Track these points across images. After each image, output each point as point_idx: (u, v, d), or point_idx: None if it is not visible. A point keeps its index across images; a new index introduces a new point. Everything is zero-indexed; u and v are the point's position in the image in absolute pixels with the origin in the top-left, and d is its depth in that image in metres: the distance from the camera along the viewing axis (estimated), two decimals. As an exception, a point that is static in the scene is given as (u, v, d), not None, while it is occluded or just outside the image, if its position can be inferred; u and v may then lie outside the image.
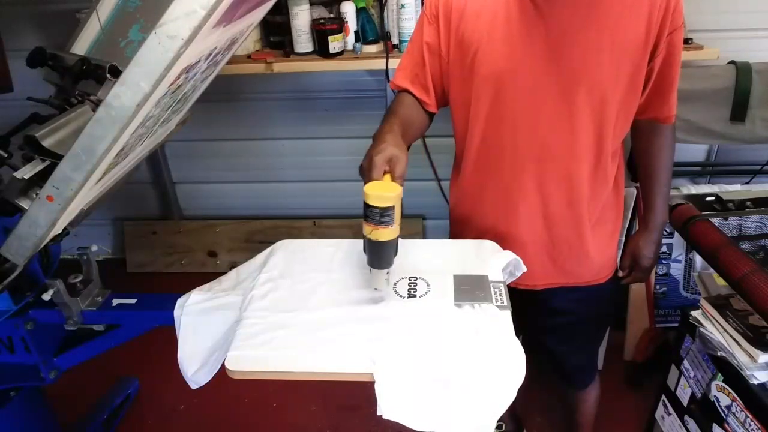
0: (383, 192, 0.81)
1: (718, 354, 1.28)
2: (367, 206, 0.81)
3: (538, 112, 1.02)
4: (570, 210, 1.10)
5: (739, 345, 1.23)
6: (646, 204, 1.24)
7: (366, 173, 0.86)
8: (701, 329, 1.33)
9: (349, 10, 1.95)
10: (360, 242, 1.07)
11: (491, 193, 1.14)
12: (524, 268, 1.02)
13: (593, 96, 0.99)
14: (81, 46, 1.22)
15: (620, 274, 1.31)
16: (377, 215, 0.81)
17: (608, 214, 1.17)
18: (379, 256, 0.86)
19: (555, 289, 1.20)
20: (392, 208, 0.81)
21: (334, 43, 1.94)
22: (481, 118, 1.07)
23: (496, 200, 1.13)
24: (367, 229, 0.83)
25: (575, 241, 1.14)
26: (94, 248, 1.25)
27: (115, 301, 1.23)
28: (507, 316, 0.87)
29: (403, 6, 1.86)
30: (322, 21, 1.94)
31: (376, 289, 0.91)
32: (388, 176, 0.86)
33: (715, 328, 1.30)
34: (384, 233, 0.82)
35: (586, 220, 1.12)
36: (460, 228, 1.25)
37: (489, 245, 1.06)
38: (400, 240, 0.89)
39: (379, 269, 0.88)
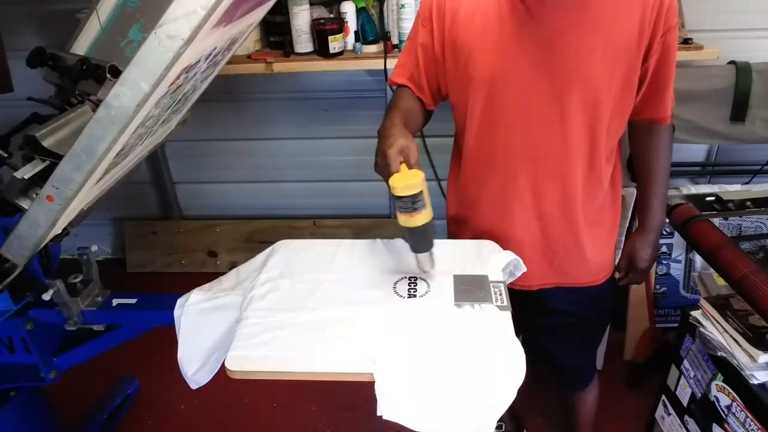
0: (408, 180, 0.84)
1: (718, 354, 1.28)
2: (398, 198, 0.84)
3: (530, 113, 1.02)
4: (564, 210, 1.10)
5: (739, 345, 1.23)
6: (643, 206, 1.24)
7: (383, 169, 0.89)
8: (701, 329, 1.33)
9: (349, 10, 1.95)
10: (360, 242, 1.08)
11: (486, 193, 1.14)
12: (524, 268, 1.03)
13: (586, 97, 0.99)
14: (81, 46, 1.22)
15: (617, 275, 1.31)
16: (409, 203, 0.84)
17: (605, 214, 1.17)
18: (421, 240, 0.90)
19: (553, 290, 1.20)
20: (421, 192, 0.84)
21: (334, 43, 1.94)
22: (475, 119, 1.08)
23: (492, 200, 1.13)
24: (403, 219, 0.86)
25: (571, 241, 1.14)
26: (94, 248, 1.25)
27: (115, 301, 1.23)
28: (507, 316, 0.87)
29: (403, 6, 1.87)
30: (322, 21, 1.94)
31: (425, 271, 0.95)
32: (404, 166, 0.88)
33: (715, 328, 1.30)
34: (420, 218, 0.85)
35: (582, 221, 1.12)
36: (457, 228, 1.25)
37: (489, 245, 1.06)
38: (401, 239, 0.89)
39: (424, 252, 0.91)
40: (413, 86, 1.13)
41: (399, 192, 0.83)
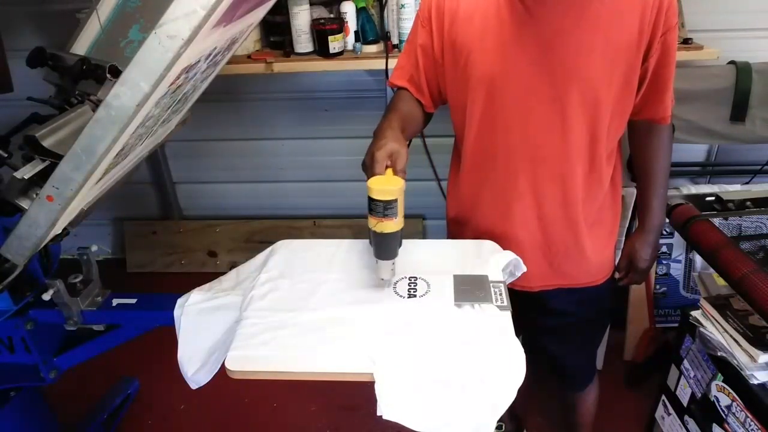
0: (385, 186, 0.84)
1: (718, 354, 1.28)
2: (370, 200, 0.84)
3: (530, 113, 1.02)
4: (565, 211, 1.10)
5: (739, 345, 1.23)
6: (643, 206, 1.23)
7: (368, 169, 0.89)
8: (701, 329, 1.33)
9: (349, 10, 1.95)
10: (360, 242, 1.08)
11: (487, 193, 1.14)
12: (524, 268, 1.02)
13: (586, 97, 0.99)
14: (81, 46, 1.22)
15: (617, 275, 1.31)
16: (381, 208, 0.83)
17: (605, 214, 1.17)
18: (384, 247, 0.89)
19: (553, 291, 1.19)
20: (395, 201, 0.83)
21: (334, 43, 1.94)
22: (475, 120, 1.08)
23: (492, 201, 1.13)
24: (372, 222, 0.85)
25: (571, 242, 1.14)
26: (94, 248, 1.25)
27: (115, 301, 1.23)
28: (507, 316, 0.87)
29: (403, 6, 1.86)
30: (322, 21, 1.94)
31: (382, 279, 0.93)
32: (389, 171, 0.88)
33: (715, 328, 1.30)
34: (388, 225, 0.85)
35: (582, 221, 1.11)
36: (457, 228, 1.25)
37: (489, 245, 1.06)
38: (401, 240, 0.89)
39: (385, 260, 0.90)
40: (413, 88, 1.13)
41: (373, 195, 0.83)
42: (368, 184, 0.85)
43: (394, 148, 0.90)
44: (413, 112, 1.13)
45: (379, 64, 1.95)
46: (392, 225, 0.85)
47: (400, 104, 1.11)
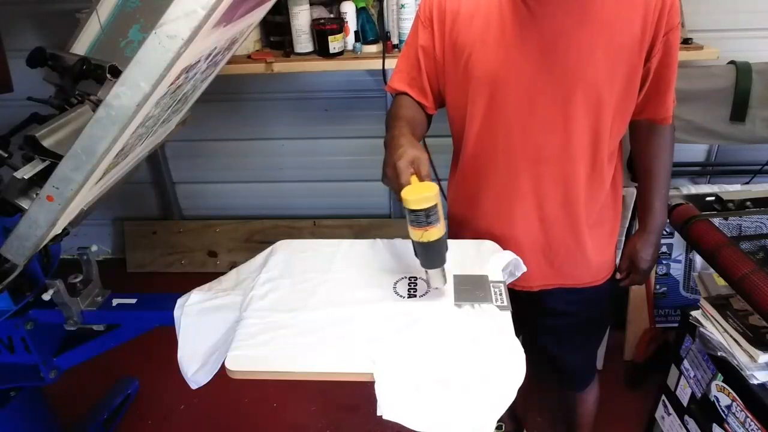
0: (423, 194, 0.81)
1: (718, 354, 1.27)
2: (411, 212, 0.81)
3: (532, 114, 1.02)
4: (566, 211, 1.10)
5: (739, 345, 1.23)
6: (645, 206, 1.23)
7: (394, 181, 0.86)
8: (701, 329, 1.33)
9: (349, 10, 1.96)
10: (360, 242, 1.08)
11: (487, 194, 1.13)
12: (524, 268, 1.03)
13: (588, 97, 0.99)
14: (81, 46, 1.23)
15: (618, 276, 1.30)
16: (423, 217, 0.81)
17: (606, 215, 1.17)
18: (434, 255, 0.86)
19: (553, 291, 1.19)
20: (436, 206, 0.81)
21: (334, 43, 1.94)
22: (476, 120, 1.07)
23: (492, 201, 1.13)
24: (417, 234, 0.83)
25: (572, 242, 1.13)
26: (94, 248, 1.24)
27: (115, 301, 1.23)
28: (507, 316, 0.87)
29: (403, 6, 1.87)
30: (322, 21, 1.94)
31: (436, 288, 0.91)
32: (414, 178, 0.86)
33: (715, 328, 1.30)
34: (434, 232, 0.82)
35: (583, 222, 1.11)
36: (457, 228, 1.25)
37: (489, 245, 1.06)
38: (401, 239, 0.89)
39: (437, 268, 0.88)
40: (414, 91, 1.12)
41: (413, 205, 0.80)
42: (403, 196, 0.81)
43: (414, 155, 0.86)
44: (416, 117, 1.11)
45: (379, 64, 1.95)
46: (437, 231, 0.82)
47: (402, 111, 1.09)
